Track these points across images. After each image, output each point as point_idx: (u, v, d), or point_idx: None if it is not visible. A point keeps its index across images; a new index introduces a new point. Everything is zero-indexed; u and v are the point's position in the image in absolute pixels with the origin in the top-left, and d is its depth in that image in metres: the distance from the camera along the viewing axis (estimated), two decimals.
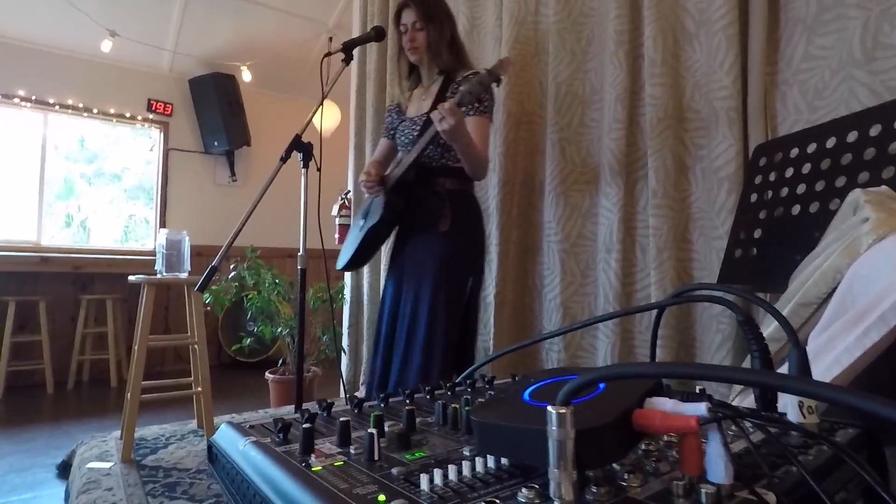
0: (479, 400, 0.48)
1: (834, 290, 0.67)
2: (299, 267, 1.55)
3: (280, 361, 2.95)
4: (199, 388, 2.19)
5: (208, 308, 2.90)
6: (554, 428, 0.26)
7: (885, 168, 0.94)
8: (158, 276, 2.19)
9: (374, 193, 1.76)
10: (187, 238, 2.27)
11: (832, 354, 0.52)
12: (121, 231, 4.40)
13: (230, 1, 3.73)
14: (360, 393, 2.83)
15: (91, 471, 1.87)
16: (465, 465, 0.32)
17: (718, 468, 0.29)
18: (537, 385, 0.37)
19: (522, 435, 0.30)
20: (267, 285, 2.91)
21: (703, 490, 0.27)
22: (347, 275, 3.05)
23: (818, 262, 0.72)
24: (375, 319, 2.79)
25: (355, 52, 1.75)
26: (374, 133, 2.90)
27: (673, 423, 0.29)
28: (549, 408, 0.26)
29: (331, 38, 4.18)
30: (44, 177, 3.95)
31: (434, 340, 1.58)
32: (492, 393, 0.52)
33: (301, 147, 1.54)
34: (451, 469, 0.32)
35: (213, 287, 2.90)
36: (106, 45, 3.64)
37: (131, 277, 2.14)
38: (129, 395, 2.07)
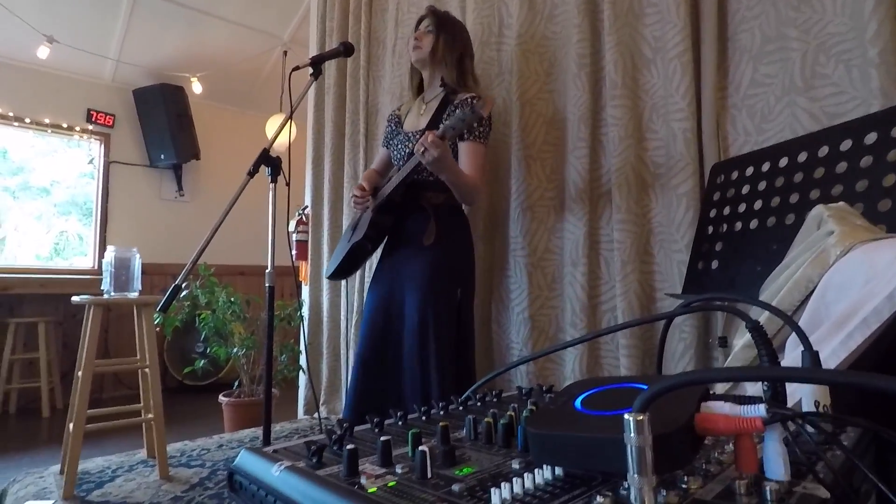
0: (512, 407, 0.48)
1: (807, 297, 0.72)
2: (267, 284, 1.50)
3: (236, 384, 2.83)
4: (151, 415, 2.06)
5: (157, 329, 2.75)
6: (633, 435, 0.27)
7: (834, 186, 1.02)
8: (106, 296, 2.05)
9: (362, 209, 1.78)
10: (138, 256, 2.15)
11: (820, 357, 0.57)
12: (50, 248, 4.10)
13: (180, 10, 3.61)
14: (323, 413, 2.74)
15: None
16: (527, 476, 0.33)
17: (777, 465, 0.30)
18: (586, 394, 0.37)
19: (590, 444, 0.31)
20: (221, 304, 2.79)
21: (767, 487, 0.29)
22: (305, 293, 2.97)
23: (789, 273, 0.78)
24: (341, 335, 2.74)
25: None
26: (333, 148, 2.87)
27: (737, 426, 0.30)
28: (627, 415, 0.27)
29: (285, 52, 4.12)
30: None
31: (427, 354, 1.57)
32: (515, 406, 0.52)
33: (269, 161, 1.51)
34: (515, 481, 0.32)
35: None
36: (42, 52, 3.42)
37: (75, 298, 2.00)
38: (71, 425, 1.91)
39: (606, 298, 1.74)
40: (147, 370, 2.09)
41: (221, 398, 2.74)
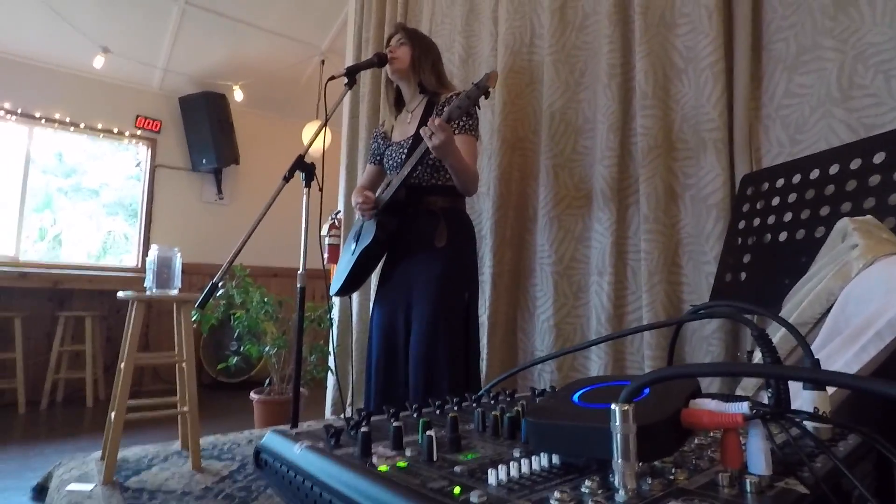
0: (521, 404, 0.50)
1: (828, 310, 0.71)
2: (299, 285, 1.56)
3: (267, 381, 2.91)
4: (186, 408, 2.15)
5: (194, 326, 2.86)
6: (618, 424, 0.29)
7: (865, 199, 1.01)
8: (148, 292, 2.16)
9: (368, 216, 1.79)
10: (179, 255, 2.26)
11: (833, 369, 0.57)
12: (99, 246, 4.32)
13: (224, 21, 3.77)
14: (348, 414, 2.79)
15: (71, 493, 1.81)
16: (524, 462, 0.35)
17: (759, 461, 0.32)
18: (584, 390, 0.40)
19: (583, 433, 0.33)
20: (255, 304, 2.89)
21: (747, 480, 0.30)
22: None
23: (811, 286, 0.77)
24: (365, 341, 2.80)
25: None
26: (366, 154, 2.94)
27: (720, 420, 0.32)
28: (614, 406, 0.29)
29: (323, 61, 4.24)
30: (26, 191, 3.89)
31: (438, 355, 1.60)
32: (524, 403, 0.55)
33: (304, 167, 1.57)
34: (513, 466, 0.34)
35: None
36: (98, 62, 3.64)
37: (120, 294, 2.11)
38: (112, 414, 2.02)
39: (633, 309, 1.73)
40: (184, 364, 2.18)
41: (253, 395, 2.83)
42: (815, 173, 1.15)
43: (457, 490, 0.31)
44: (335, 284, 1.91)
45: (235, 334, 3.00)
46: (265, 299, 2.91)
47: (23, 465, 2.31)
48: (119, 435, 1.94)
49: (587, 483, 0.30)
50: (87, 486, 1.86)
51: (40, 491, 1.97)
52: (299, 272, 1.57)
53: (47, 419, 3.20)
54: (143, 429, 2.77)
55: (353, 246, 1.85)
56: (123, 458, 2.14)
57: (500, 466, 0.34)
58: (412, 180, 1.71)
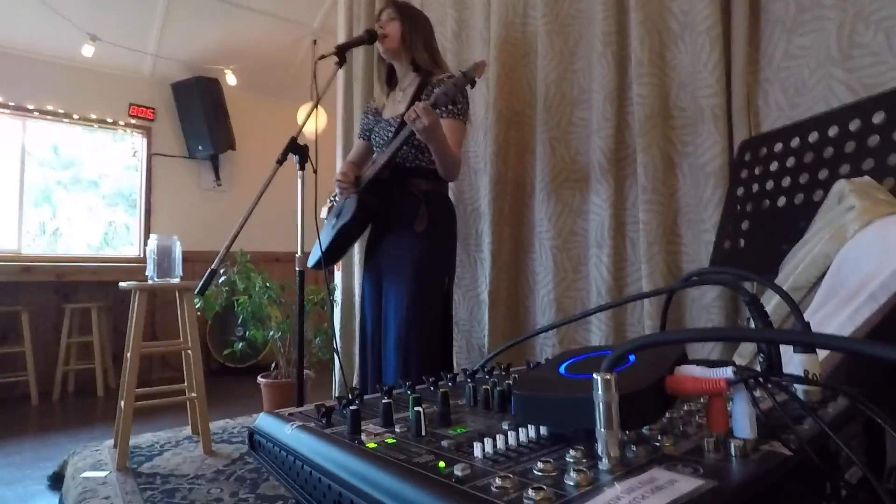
0: (513, 377, 0.51)
1: (824, 274, 0.71)
2: (298, 268, 1.57)
3: (273, 365, 2.94)
4: (194, 394, 2.18)
5: (199, 313, 2.88)
6: (600, 393, 0.29)
7: (864, 160, 0.99)
8: (150, 282, 2.17)
9: (347, 193, 1.78)
10: (178, 243, 2.26)
11: (827, 332, 0.56)
12: (100, 238, 4.33)
13: (214, 4, 3.71)
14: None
15: (86, 480, 1.85)
16: (511, 435, 0.35)
17: (744, 425, 0.32)
18: (570, 361, 0.39)
19: (568, 404, 0.33)
20: (257, 289, 2.90)
21: (732, 443, 0.30)
22: (338, 277, 3.05)
23: (807, 249, 0.76)
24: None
25: None
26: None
27: (703, 386, 0.32)
28: (595, 375, 0.29)
29: (315, 41, 4.18)
30: (24, 184, 3.88)
31: (415, 338, 1.61)
32: (515, 376, 0.55)
33: (297, 149, 1.55)
34: (499, 439, 0.34)
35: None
36: (87, 50, 3.59)
37: (122, 284, 2.12)
38: (122, 402, 2.05)
39: (632, 280, 1.73)
40: (189, 351, 2.21)
41: (260, 379, 2.86)
42: (813, 136, 1.13)
43: (441, 464, 0.31)
44: (313, 257, 1.91)
45: (240, 320, 3.02)
46: (267, 284, 2.92)
47: (38, 455, 2.35)
48: (129, 422, 1.97)
49: (571, 453, 0.30)
50: (102, 473, 1.90)
51: (56, 479, 2.02)
52: (297, 255, 1.57)
53: (60, 410, 3.25)
54: (154, 416, 2.81)
55: (335, 221, 1.85)
56: (136, 444, 2.18)
57: (486, 440, 0.34)
58: (396, 160, 1.70)
